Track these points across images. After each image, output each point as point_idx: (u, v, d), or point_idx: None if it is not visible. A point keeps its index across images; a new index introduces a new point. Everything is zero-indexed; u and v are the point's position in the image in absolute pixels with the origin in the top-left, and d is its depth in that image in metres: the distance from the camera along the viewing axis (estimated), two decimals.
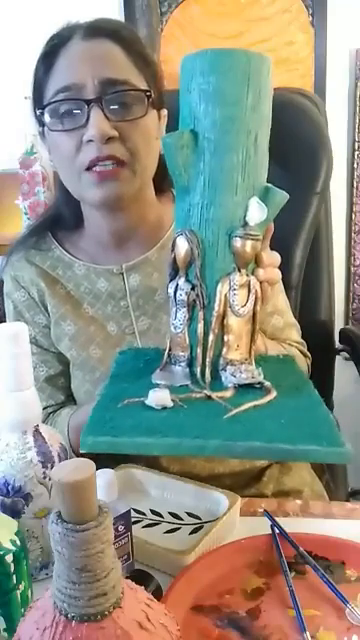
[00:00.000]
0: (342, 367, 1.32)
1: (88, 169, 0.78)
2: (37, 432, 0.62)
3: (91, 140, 0.76)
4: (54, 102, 0.78)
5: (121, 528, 0.59)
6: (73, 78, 0.76)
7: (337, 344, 1.30)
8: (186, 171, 0.53)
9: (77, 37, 0.79)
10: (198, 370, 0.55)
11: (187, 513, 0.72)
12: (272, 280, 0.58)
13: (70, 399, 0.95)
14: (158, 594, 0.57)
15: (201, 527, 0.69)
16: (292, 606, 0.57)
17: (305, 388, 0.58)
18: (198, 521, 0.71)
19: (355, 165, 1.90)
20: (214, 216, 0.53)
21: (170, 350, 0.58)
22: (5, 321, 0.96)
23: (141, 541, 0.64)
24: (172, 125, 0.56)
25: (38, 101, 0.82)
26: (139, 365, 0.60)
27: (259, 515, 0.71)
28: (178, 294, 0.55)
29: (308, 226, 1.17)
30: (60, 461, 0.63)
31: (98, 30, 0.79)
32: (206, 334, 0.54)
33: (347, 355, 1.27)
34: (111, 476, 0.59)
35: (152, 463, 0.86)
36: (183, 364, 0.57)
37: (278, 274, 0.60)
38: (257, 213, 0.53)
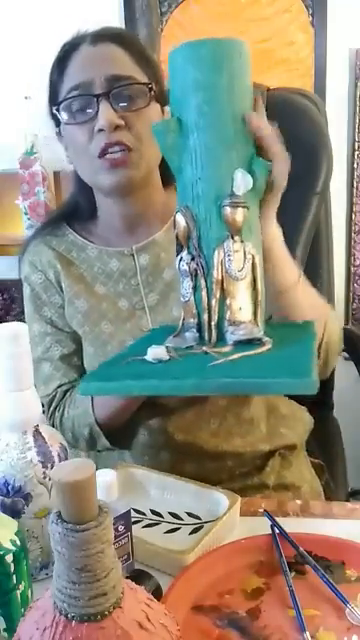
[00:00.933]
0: (342, 367, 1.31)
1: (100, 157, 0.85)
2: (37, 432, 0.62)
3: (101, 129, 0.83)
4: (67, 99, 0.86)
5: (121, 528, 0.59)
6: (83, 77, 0.85)
7: None
8: (176, 153, 0.60)
9: (86, 43, 0.88)
10: (206, 334, 0.60)
11: (187, 513, 0.72)
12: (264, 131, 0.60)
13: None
14: (158, 594, 0.57)
15: (201, 527, 0.69)
16: (292, 606, 0.57)
17: (306, 344, 0.61)
18: (198, 521, 0.71)
19: (355, 165, 1.90)
20: (203, 190, 0.59)
21: (184, 319, 0.62)
22: (22, 311, 1.03)
23: (141, 541, 0.64)
24: None
25: (54, 100, 0.90)
26: (161, 337, 0.63)
27: (259, 515, 0.71)
28: (181, 265, 0.61)
29: (308, 226, 1.17)
30: (60, 461, 0.63)
31: (103, 35, 0.88)
32: (209, 300, 0.59)
33: (347, 355, 1.26)
34: (111, 476, 0.59)
35: (158, 430, 0.90)
36: (194, 330, 0.61)
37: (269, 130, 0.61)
38: (242, 182, 0.58)
